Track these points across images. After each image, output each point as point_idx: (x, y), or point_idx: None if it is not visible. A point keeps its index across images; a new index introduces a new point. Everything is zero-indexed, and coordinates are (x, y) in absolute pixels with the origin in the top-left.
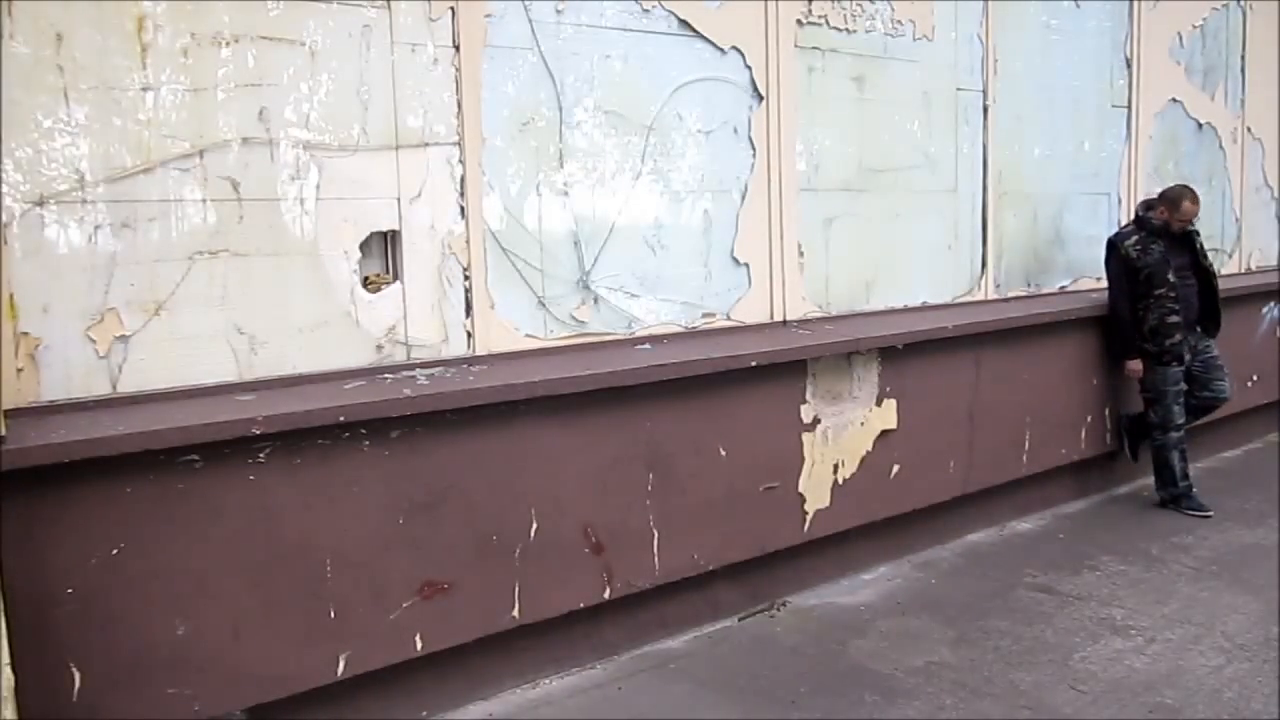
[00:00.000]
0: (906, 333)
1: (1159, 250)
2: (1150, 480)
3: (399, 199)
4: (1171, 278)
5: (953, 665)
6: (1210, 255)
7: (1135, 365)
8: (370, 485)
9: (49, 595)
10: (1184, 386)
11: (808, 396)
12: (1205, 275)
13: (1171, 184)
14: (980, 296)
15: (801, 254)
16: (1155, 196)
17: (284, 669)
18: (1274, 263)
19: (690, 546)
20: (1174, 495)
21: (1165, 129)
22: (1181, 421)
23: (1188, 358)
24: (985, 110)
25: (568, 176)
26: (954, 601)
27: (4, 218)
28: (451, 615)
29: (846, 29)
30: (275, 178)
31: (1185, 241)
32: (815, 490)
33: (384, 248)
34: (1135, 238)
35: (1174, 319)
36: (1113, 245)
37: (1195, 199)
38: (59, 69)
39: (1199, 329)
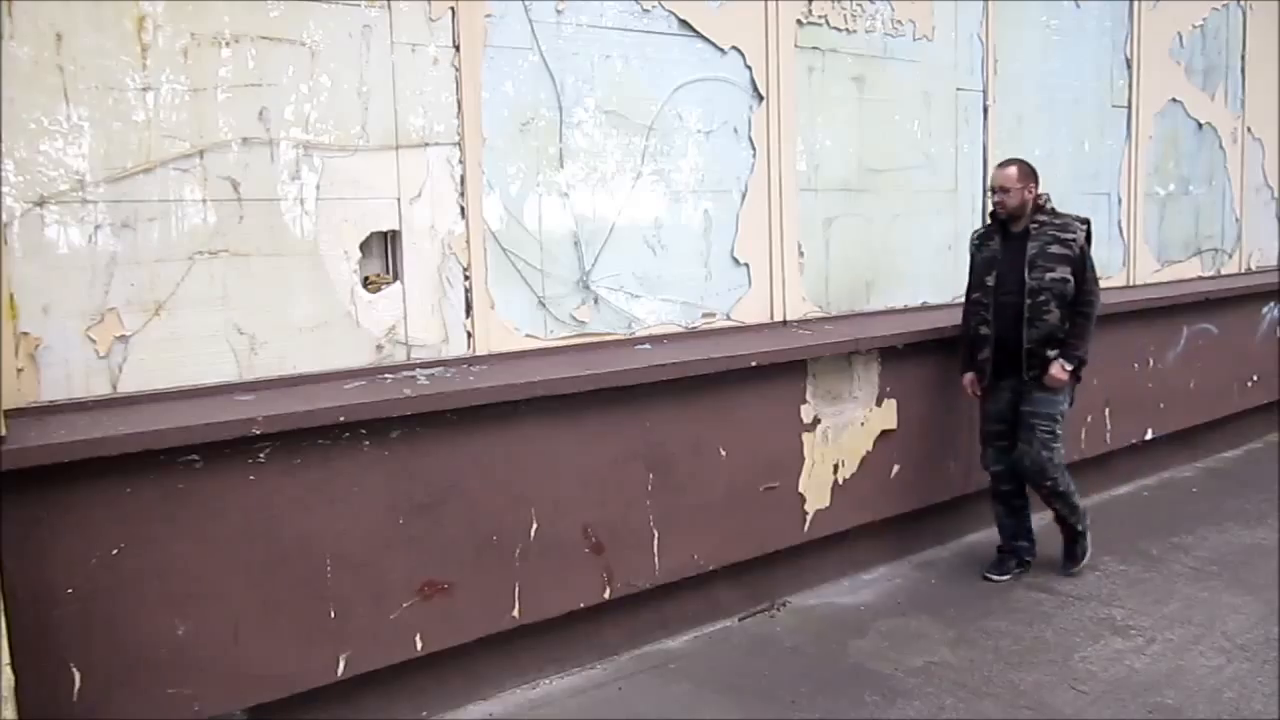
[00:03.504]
0: (906, 333)
1: (993, 247)
2: (1150, 480)
3: (399, 199)
4: (989, 282)
5: (953, 665)
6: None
7: (968, 379)
8: (370, 485)
9: (49, 595)
10: (999, 426)
11: (808, 396)
12: (1048, 294)
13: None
14: None
15: (801, 254)
16: None
17: (284, 669)
18: (1274, 263)
19: (690, 546)
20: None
21: (1165, 129)
22: (995, 468)
23: (1007, 396)
24: (985, 110)
25: (568, 176)
26: (954, 601)
27: (4, 218)
28: (452, 615)
29: (846, 29)
30: (275, 178)
31: (1039, 246)
32: (815, 490)
33: (384, 248)
34: (981, 229)
35: (985, 330)
36: None
37: (1001, 164)
38: (59, 69)
39: (1024, 365)
